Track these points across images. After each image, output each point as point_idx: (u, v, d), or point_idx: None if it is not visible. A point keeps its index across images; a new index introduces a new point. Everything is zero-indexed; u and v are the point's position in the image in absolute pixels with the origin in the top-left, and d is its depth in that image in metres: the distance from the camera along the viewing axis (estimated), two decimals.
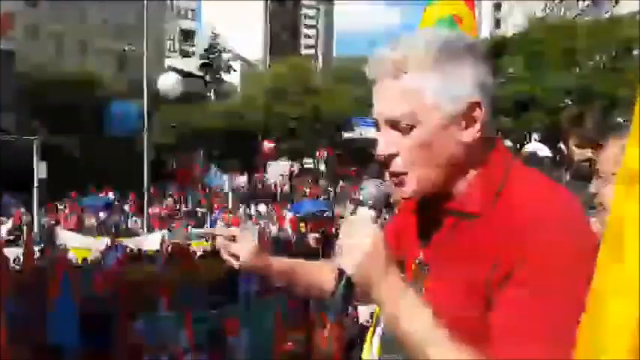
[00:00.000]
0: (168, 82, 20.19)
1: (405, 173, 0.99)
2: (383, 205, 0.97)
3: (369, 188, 0.98)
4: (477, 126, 0.97)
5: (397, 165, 0.99)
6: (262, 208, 24.81)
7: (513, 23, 34.39)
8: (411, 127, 0.97)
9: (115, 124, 20.80)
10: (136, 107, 19.76)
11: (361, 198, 0.98)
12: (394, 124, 0.98)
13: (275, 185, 31.03)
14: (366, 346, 1.30)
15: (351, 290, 0.92)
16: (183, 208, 25.25)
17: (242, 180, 31.55)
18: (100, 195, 25.03)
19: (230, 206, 24.99)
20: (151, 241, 15.41)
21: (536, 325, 0.86)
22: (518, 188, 0.96)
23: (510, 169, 0.99)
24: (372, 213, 0.96)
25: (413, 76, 0.96)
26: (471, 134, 0.97)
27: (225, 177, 29.31)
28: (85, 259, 12.67)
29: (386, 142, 0.99)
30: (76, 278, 7.46)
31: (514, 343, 0.87)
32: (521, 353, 0.86)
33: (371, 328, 1.33)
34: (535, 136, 31.67)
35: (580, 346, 0.73)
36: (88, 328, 6.43)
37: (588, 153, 2.63)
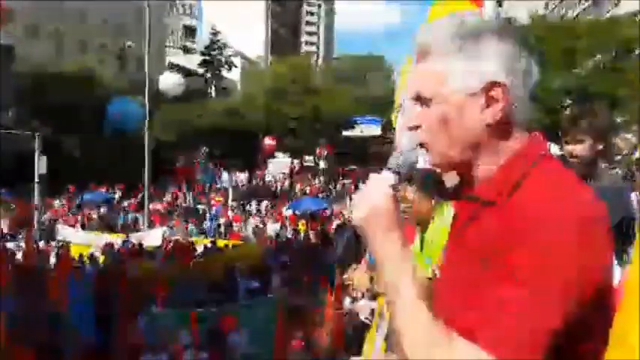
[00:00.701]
0: (169, 82, 20.19)
1: (427, 144, 1.04)
2: (406, 171, 1.03)
3: (395, 159, 1.04)
4: (499, 106, 0.98)
5: (420, 136, 1.04)
6: (262, 205, 24.83)
7: (514, 21, 34.39)
8: (430, 103, 1.02)
9: (115, 122, 20.78)
10: (137, 105, 19.74)
11: (388, 163, 1.04)
12: (418, 99, 1.04)
13: (275, 182, 31.04)
14: (366, 346, 1.34)
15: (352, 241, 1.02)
16: (183, 205, 25.25)
17: (242, 177, 31.54)
18: (101, 191, 25.02)
19: (230, 203, 25.01)
20: (151, 237, 15.44)
21: (510, 324, 0.88)
22: (536, 184, 0.96)
23: (539, 163, 0.99)
24: (392, 177, 1.02)
25: (436, 57, 1.01)
26: (492, 114, 0.99)
27: (226, 175, 29.33)
28: (80, 255, 12.66)
29: (410, 115, 1.06)
30: (73, 275, 7.50)
31: (490, 337, 0.88)
32: (495, 348, 0.87)
33: (371, 329, 1.37)
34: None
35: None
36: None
37: (576, 150, 2.66)
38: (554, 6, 36.42)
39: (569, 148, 2.68)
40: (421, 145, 1.06)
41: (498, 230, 0.93)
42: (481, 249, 0.96)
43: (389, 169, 1.03)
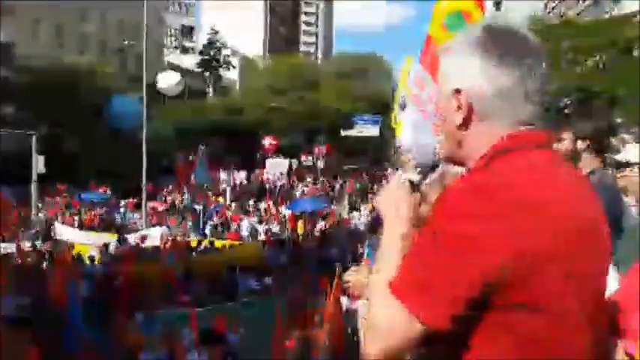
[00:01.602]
0: (169, 81, 20.17)
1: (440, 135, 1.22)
2: (427, 169, 1.18)
3: (417, 155, 1.23)
4: (463, 109, 1.11)
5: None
6: (261, 204, 24.79)
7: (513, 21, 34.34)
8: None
9: (116, 120, 20.76)
10: (136, 103, 19.72)
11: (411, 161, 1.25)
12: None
13: (273, 182, 31.02)
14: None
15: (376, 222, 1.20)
16: (181, 205, 25.20)
17: (241, 176, 31.52)
18: (99, 190, 24.96)
19: (228, 202, 24.97)
20: (150, 237, 15.40)
21: (408, 264, 1.05)
22: (478, 174, 1.09)
23: (505, 157, 1.07)
24: (416, 176, 1.23)
25: (441, 61, 1.19)
26: (458, 116, 1.12)
27: (224, 175, 29.27)
28: (79, 254, 12.64)
29: (422, 105, 1.29)
30: (71, 274, 7.47)
31: (396, 280, 1.05)
32: (391, 285, 1.04)
33: None
34: None
35: None
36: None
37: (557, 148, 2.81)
38: (553, 6, 36.46)
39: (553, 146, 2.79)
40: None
41: (435, 214, 1.07)
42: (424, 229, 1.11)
43: (413, 167, 1.21)
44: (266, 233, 18.16)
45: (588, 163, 2.76)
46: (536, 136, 1.11)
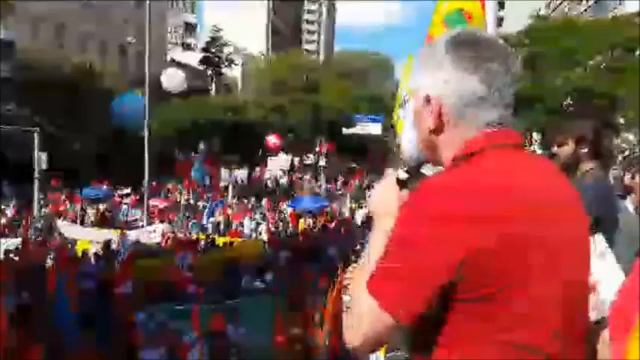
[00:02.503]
0: (173, 78, 20.12)
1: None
2: (415, 168, 1.28)
3: (407, 156, 1.25)
4: (434, 114, 1.17)
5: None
6: (262, 202, 24.82)
7: (516, 22, 34.33)
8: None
9: (120, 118, 20.73)
10: (141, 100, 19.70)
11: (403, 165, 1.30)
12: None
13: (275, 180, 31.05)
14: None
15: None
16: (183, 202, 25.24)
17: (242, 174, 31.55)
18: (102, 187, 24.99)
19: (230, 200, 25.00)
20: (151, 233, 15.44)
21: (380, 261, 1.11)
22: (442, 175, 1.16)
23: (479, 155, 1.13)
24: (404, 174, 1.27)
25: (411, 72, 1.28)
26: (431, 122, 1.18)
27: (226, 172, 29.29)
28: (84, 252, 12.68)
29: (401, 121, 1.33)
30: (72, 271, 7.50)
31: (371, 277, 1.12)
32: (367, 281, 1.12)
33: None
34: (536, 136, 31.66)
35: None
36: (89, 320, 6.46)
37: (561, 152, 2.84)
38: (555, 6, 36.39)
39: (553, 150, 2.82)
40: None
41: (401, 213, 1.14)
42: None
43: (402, 167, 1.27)
44: (267, 231, 18.20)
45: (586, 163, 2.78)
46: (503, 136, 1.15)
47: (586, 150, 2.78)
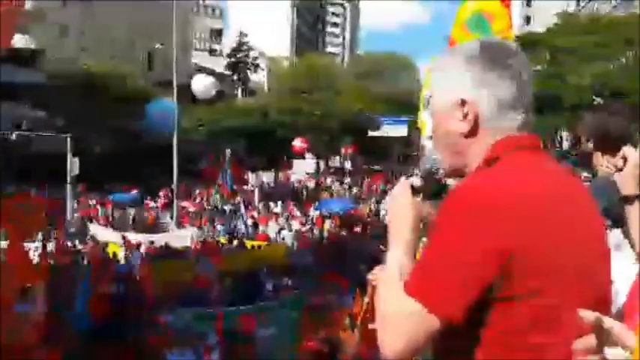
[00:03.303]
0: (202, 84, 20.37)
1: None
2: (432, 176, 1.27)
3: (425, 162, 1.28)
4: (469, 119, 1.18)
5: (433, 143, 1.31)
6: (288, 205, 24.89)
7: (543, 20, 33.79)
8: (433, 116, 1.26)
9: (151, 124, 21.11)
10: (171, 106, 19.98)
11: (419, 167, 1.29)
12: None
13: (301, 183, 31.11)
14: None
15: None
16: (208, 207, 25.46)
17: (268, 177, 31.68)
18: (132, 192, 25.43)
19: (256, 203, 25.15)
20: (180, 238, 15.64)
21: (420, 267, 1.13)
22: (478, 177, 1.16)
23: (502, 159, 1.15)
24: (417, 180, 1.27)
25: (434, 76, 1.27)
26: (463, 127, 1.19)
27: (252, 176, 29.44)
28: (115, 254, 12.93)
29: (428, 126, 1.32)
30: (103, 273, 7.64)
31: (411, 280, 1.13)
32: (406, 286, 1.12)
33: None
34: (564, 134, 31.05)
35: None
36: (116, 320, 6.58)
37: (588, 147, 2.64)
38: (584, 3, 35.69)
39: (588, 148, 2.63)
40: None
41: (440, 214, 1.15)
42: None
43: (417, 174, 1.28)
44: (294, 234, 18.24)
45: (603, 162, 2.63)
46: (528, 140, 1.19)
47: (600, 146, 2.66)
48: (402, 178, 1.31)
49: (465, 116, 1.19)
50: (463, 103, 1.18)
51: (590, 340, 0.90)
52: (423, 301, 1.07)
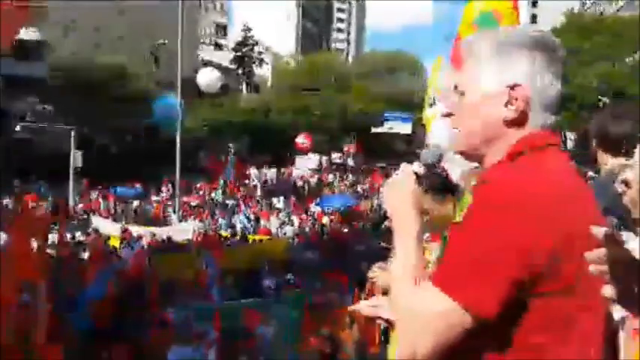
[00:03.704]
0: (208, 78, 20.30)
1: (457, 129, 1.22)
2: (433, 163, 1.25)
3: (426, 150, 1.21)
4: (516, 106, 1.14)
5: (452, 122, 1.24)
6: (290, 201, 24.92)
7: (549, 20, 33.65)
8: (462, 95, 1.21)
9: (157, 117, 21.13)
10: (176, 101, 19.99)
11: (420, 157, 1.21)
12: (455, 90, 1.23)
13: (303, 179, 31.12)
14: (390, 347, 1.39)
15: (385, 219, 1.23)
16: (212, 200, 25.51)
17: (271, 173, 31.70)
18: (134, 186, 25.49)
19: (258, 199, 25.18)
20: (182, 231, 15.67)
21: (451, 262, 1.08)
22: (512, 169, 1.12)
23: (532, 154, 1.13)
24: (419, 168, 1.24)
25: (475, 58, 1.20)
26: (509, 112, 1.15)
27: (255, 172, 29.45)
28: (115, 247, 12.94)
29: (449, 103, 1.30)
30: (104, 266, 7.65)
31: (441, 276, 1.08)
32: (434, 282, 1.08)
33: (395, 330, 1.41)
34: (570, 135, 30.96)
35: None
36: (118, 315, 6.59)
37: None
38: (590, 4, 35.54)
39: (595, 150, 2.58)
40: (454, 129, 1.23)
41: (471, 207, 1.11)
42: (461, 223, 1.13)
43: (419, 161, 1.26)
44: (295, 230, 18.27)
45: (607, 162, 2.58)
46: (554, 139, 1.18)
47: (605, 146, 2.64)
48: (403, 165, 1.26)
49: (511, 102, 1.15)
50: (514, 87, 1.14)
51: (602, 251, 0.90)
52: (457, 298, 1.03)
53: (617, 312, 1.25)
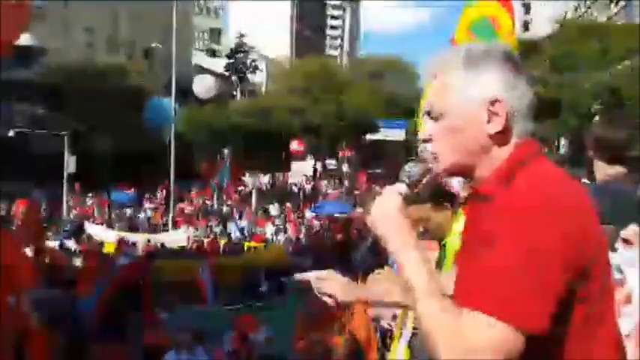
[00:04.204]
0: (204, 84, 20.35)
1: (436, 154, 1.20)
2: (416, 182, 1.23)
3: (408, 168, 1.24)
4: (498, 120, 1.14)
5: (431, 147, 1.21)
6: (285, 207, 24.90)
7: (542, 26, 33.90)
8: (440, 117, 1.18)
9: (149, 122, 21.10)
10: (170, 105, 19.99)
11: (400, 175, 1.24)
12: (429, 114, 1.21)
13: (298, 185, 31.11)
14: (393, 346, 1.39)
15: (376, 245, 1.20)
16: (207, 206, 25.46)
17: (266, 179, 31.68)
18: (127, 191, 25.40)
19: (253, 205, 25.14)
20: (177, 238, 15.62)
21: (488, 279, 1.02)
22: (526, 179, 1.10)
23: (532, 163, 1.13)
24: (404, 187, 1.22)
25: (442, 77, 1.19)
26: (493, 127, 1.15)
27: (249, 178, 29.43)
28: (110, 254, 12.88)
29: (424, 128, 1.23)
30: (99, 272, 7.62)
31: (464, 292, 1.07)
32: (464, 299, 1.05)
33: (397, 330, 1.41)
34: (563, 141, 31.11)
35: None
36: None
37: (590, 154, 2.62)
38: (583, 10, 35.82)
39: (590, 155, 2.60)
40: (433, 154, 1.22)
41: (493, 220, 1.07)
42: (481, 237, 1.08)
43: (401, 180, 1.22)
44: (289, 236, 18.24)
45: (603, 170, 2.59)
46: (538, 146, 1.20)
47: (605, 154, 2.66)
48: (387, 187, 1.24)
49: (491, 118, 1.14)
50: (494, 103, 1.14)
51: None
52: (507, 319, 0.98)
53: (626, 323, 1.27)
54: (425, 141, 1.23)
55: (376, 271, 2.53)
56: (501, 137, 1.15)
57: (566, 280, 1.02)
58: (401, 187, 1.22)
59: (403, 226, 1.16)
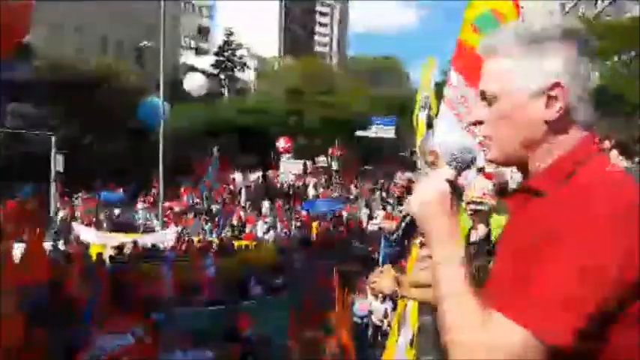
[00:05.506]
0: (194, 83, 20.26)
1: (488, 138, 1.13)
2: (464, 167, 1.12)
3: (457, 153, 1.13)
4: (558, 105, 1.06)
5: (481, 131, 1.14)
6: (275, 205, 24.84)
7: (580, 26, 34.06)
8: (494, 100, 1.11)
9: (142, 121, 20.93)
10: (160, 104, 19.87)
11: (447, 160, 1.13)
12: (483, 97, 1.13)
13: (288, 183, 31.07)
14: (388, 343, 1.36)
15: (410, 227, 1.16)
16: (196, 205, 25.31)
17: (255, 177, 31.60)
18: (119, 190, 25.18)
19: (243, 203, 25.06)
20: (166, 238, 15.51)
21: (518, 282, 0.97)
22: (587, 176, 1.03)
23: (591, 159, 1.06)
24: (451, 172, 1.11)
25: (502, 58, 1.10)
26: (551, 113, 1.06)
27: (239, 176, 29.32)
28: (99, 255, 12.75)
29: (475, 110, 1.15)
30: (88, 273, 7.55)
31: (499, 288, 1.01)
32: (497, 295, 0.99)
33: (391, 336, 1.38)
34: None
35: None
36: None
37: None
38: (570, 6, 36.08)
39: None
40: (483, 139, 1.14)
41: (546, 220, 0.99)
42: (530, 237, 1.00)
43: (449, 165, 1.12)
44: (281, 234, 18.21)
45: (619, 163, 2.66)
46: (597, 141, 1.14)
47: (610, 147, 2.72)
48: (433, 172, 1.13)
49: (550, 103, 1.06)
50: (553, 87, 1.05)
51: None
52: (530, 326, 0.93)
53: None
54: (475, 124, 1.15)
55: (378, 268, 2.51)
56: (560, 125, 1.07)
57: (616, 297, 0.94)
58: (449, 173, 1.11)
59: (443, 217, 1.06)
